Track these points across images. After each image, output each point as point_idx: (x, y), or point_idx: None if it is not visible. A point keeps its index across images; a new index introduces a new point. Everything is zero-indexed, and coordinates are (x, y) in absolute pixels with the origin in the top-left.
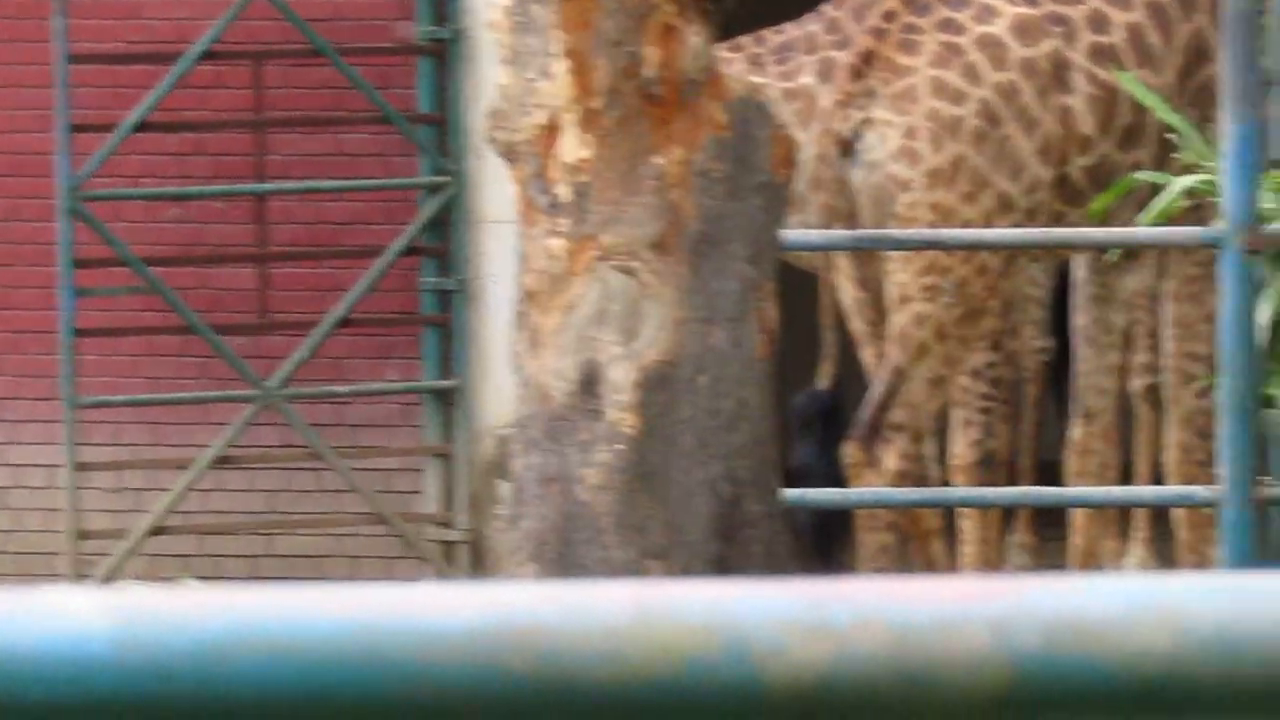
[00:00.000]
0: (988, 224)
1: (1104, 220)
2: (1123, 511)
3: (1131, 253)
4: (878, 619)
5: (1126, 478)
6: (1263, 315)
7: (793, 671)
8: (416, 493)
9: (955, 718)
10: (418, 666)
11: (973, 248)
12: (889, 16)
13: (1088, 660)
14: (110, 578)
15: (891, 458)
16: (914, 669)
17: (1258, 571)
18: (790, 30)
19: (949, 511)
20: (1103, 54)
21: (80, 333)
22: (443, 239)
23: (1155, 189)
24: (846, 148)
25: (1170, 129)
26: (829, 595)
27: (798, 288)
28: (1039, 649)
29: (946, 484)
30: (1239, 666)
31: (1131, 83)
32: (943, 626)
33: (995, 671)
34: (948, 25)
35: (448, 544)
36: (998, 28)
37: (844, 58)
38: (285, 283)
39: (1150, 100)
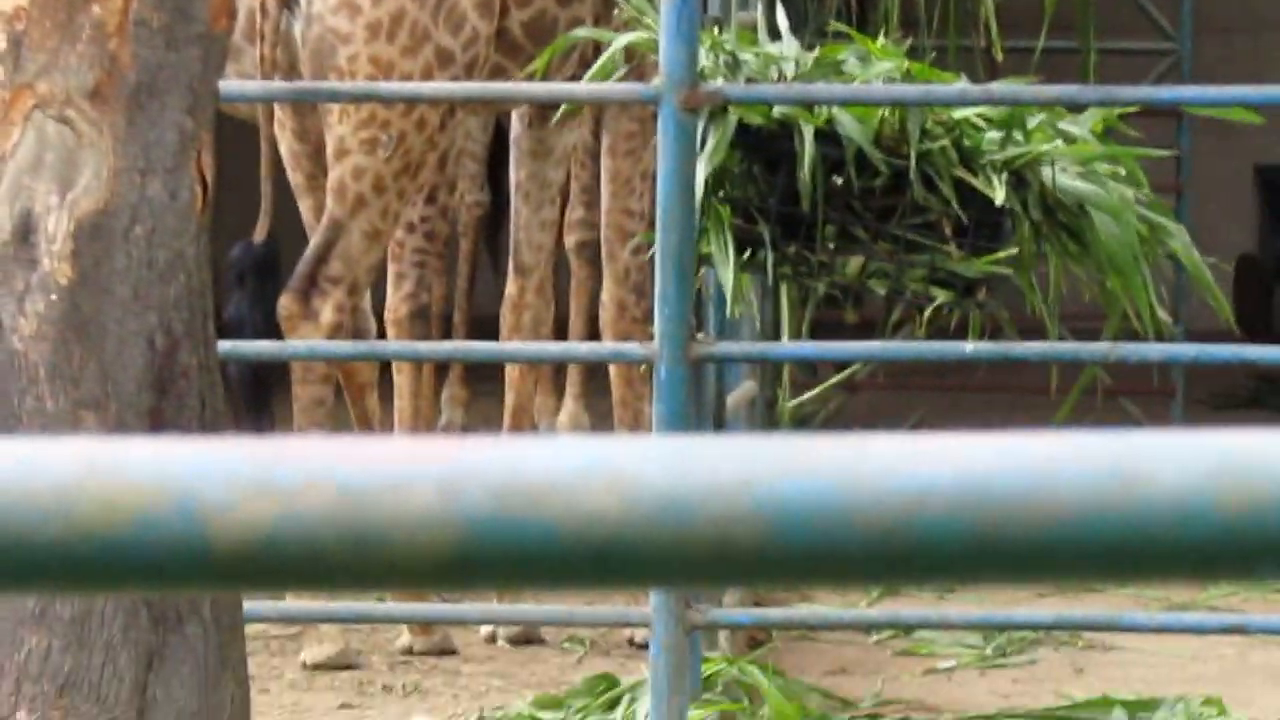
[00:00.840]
0: (427, 77)
1: (544, 75)
2: (558, 367)
3: (569, 109)
4: (325, 479)
5: (562, 334)
6: (700, 174)
7: (239, 530)
8: None
9: (403, 578)
10: None
11: (412, 101)
12: None
13: (537, 522)
14: None
15: (327, 310)
16: (361, 529)
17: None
18: None
19: (385, 365)
20: None
21: None
22: None
23: (597, 46)
24: (286, 1)
25: None
26: (277, 454)
27: (236, 139)
28: (488, 511)
29: (383, 337)
30: (685, 529)
31: None
32: (391, 487)
33: (443, 532)
34: None
35: None
36: None
37: None
38: None
39: None
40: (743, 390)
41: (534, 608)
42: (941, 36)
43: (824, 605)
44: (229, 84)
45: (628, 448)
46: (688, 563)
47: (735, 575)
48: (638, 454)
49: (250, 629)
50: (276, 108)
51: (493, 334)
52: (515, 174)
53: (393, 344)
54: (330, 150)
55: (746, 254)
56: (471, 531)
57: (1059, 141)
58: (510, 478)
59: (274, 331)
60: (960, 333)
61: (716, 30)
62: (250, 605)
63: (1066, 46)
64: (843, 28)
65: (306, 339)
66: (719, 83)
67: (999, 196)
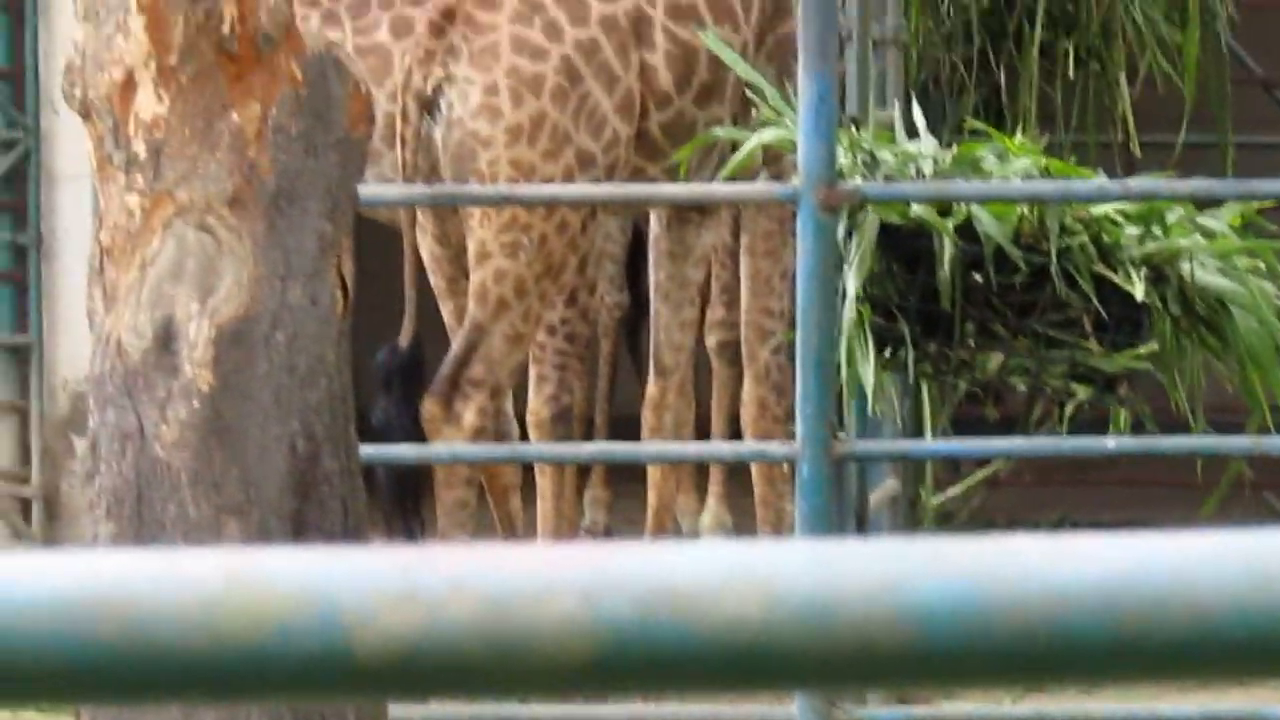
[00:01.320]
0: (568, 180)
1: (683, 176)
2: (699, 467)
3: (707, 208)
4: (469, 587)
5: (704, 434)
6: (851, 286)
7: (382, 640)
8: None
9: (547, 684)
10: (5, 638)
11: (553, 204)
12: None
13: (678, 628)
14: None
15: (470, 414)
16: (506, 638)
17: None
18: None
19: (528, 467)
20: (681, 11)
21: None
22: (17, 194)
23: (735, 145)
24: (427, 105)
25: (749, 85)
26: (420, 562)
27: (378, 243)
28: (630, 618)
29: (525, 440)
30: (827, 634)
31: (712, 41)
32: (534, 595)
33: (586, 640)
34: None
35: (22, 501)
36: None
37: (421, 13)
38: None
39: (729, 58)
40: (885, 488)
41: (678, 708)
42: (1079, 132)
43: (968, 703)
44: (369, 188)
45: (767, 553)
46: (831, 666)
47: (878, 678)
48: (778, 559)
49: None
50: (418, 211)
51: (634, 435)
52: (655, 275)
53: (535, 446)
54: (471, 254)
55: (887, 352)
56: (614, 638)
57: (1197, 236)
58: (652, 585)
59: (420, 435)
60: (1102, 427)
61: (854, 129)
62: (394, 710)
63: (1204, 141)
64: (980, 125)
65: (450, 442)
66: (857, 181)
67: (1139, 292)
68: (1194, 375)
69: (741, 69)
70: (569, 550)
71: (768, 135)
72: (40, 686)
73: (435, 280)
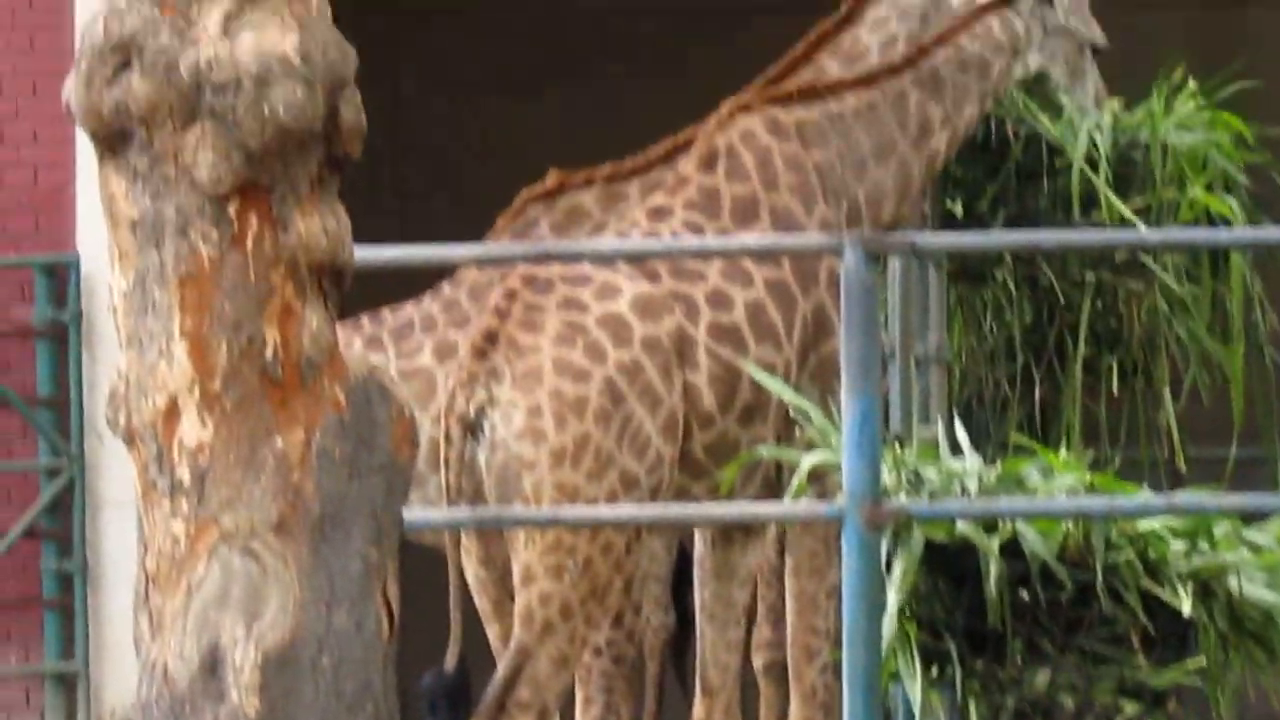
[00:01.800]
0: (613, 501)
1: (727, 495)
2: None
3: (752, 527)
4: None
5: None
6: (892, 603)
7: None
8: None
9: None
10: None
11: (597, 525)
12: (510, 295)
13: None
14: None
15: None
16: None
17: None
18: (409, 309)
19: None
20: (724, 332)
21: None
22: (63, 522)
23: (778, 463)
24: (470, 428)
25: (793, 406)
26: None
27: (423, 566)
28: None
29: None
30: None
31: (754, 369)
32: None
33: None
34: (570, 303)
35: None
36: (620, 305)
37: (463, 337)
38: None
39: (773, 385)
40: None
41: None
42: (1125, 447)
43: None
44: (413, 512)
45: None
46: None
47: None
48: None
49: None
50: (462, 534)
51: None
52: (700, 595)
53: None
54: (517, 576)
55: (934, 669)
56: None
57: (1244, 550)
58: None
59: None
60: None
61: (898, 446)
62: None
63: (1251, 456)
64: (1025, 441)
65: None
66: (902, 499)
67: (1186, 608)
68: (1221, 697)
69: (785, 393)
70: None
71: (813, 457)
72: None
73: (480, 603)
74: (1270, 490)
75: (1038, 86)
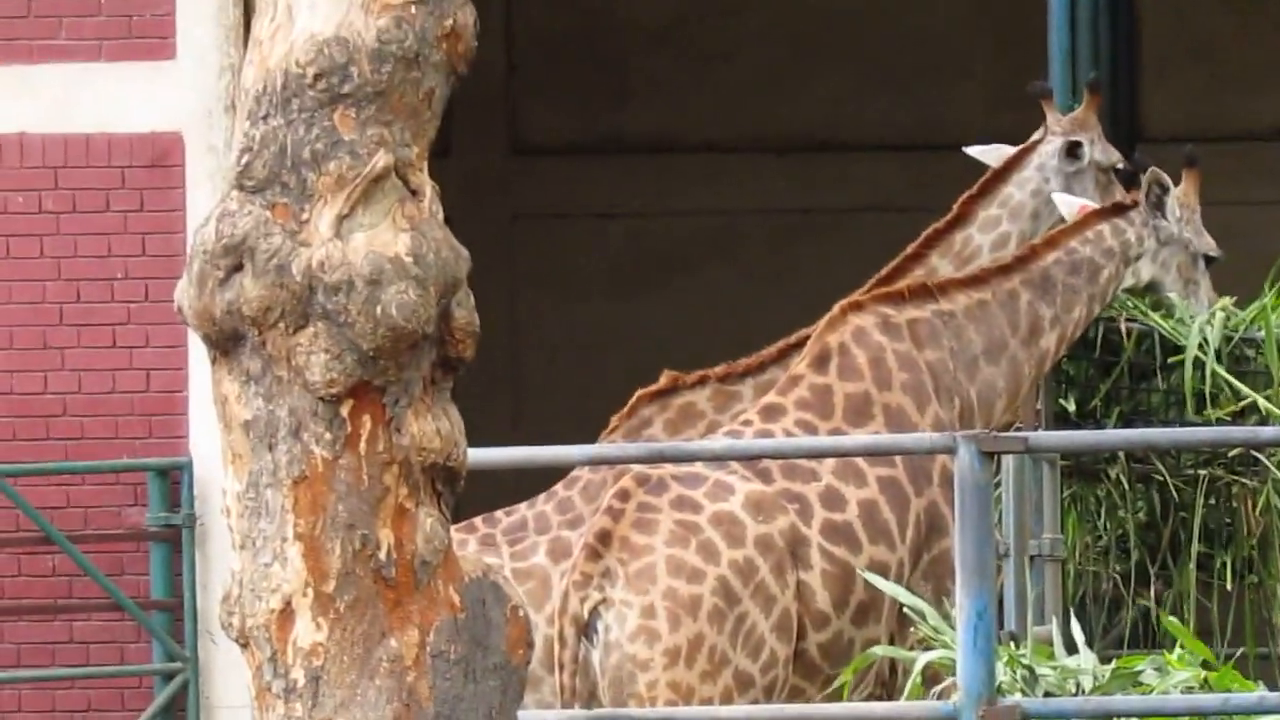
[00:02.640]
0: (727, 701)
1: (845, 697)
2: None
3: None
4: None
5: None
6: None
7: None
8: None
9: None
10: None
11: None
12: (624, 495)
13: None
14: None
15: None
16: None
17: None
18: (522, 509)
19: None
20: (837, 531)
21: None
22: None
23: (893, 663)
24: (584, 628)
25: (907, 606)
26: None
27: None
28: None
29: None
30: None
31: (866, 573)
32: None
33: None
34: (683, 503)
35: None
36: (733, 504)
37: (577, 537)
38: None
39: (886, 587)
40: None
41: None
42: (1237, 644)
43: None
44: (529, 714)
45: None
46: None
47: None
48: None
49: None
50: None
51: None
52: None
53: None
54: None
55: None
56: None
57: None
58: None
59: None
60: None
61: (1013, 644)
62: None
63: None
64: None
65: None
66: (1017, 698)
67: None
68: None
69: (899, 594)
70: None
71: (931, 655)
72: None
73: None
74: None
75: (1150, 293)
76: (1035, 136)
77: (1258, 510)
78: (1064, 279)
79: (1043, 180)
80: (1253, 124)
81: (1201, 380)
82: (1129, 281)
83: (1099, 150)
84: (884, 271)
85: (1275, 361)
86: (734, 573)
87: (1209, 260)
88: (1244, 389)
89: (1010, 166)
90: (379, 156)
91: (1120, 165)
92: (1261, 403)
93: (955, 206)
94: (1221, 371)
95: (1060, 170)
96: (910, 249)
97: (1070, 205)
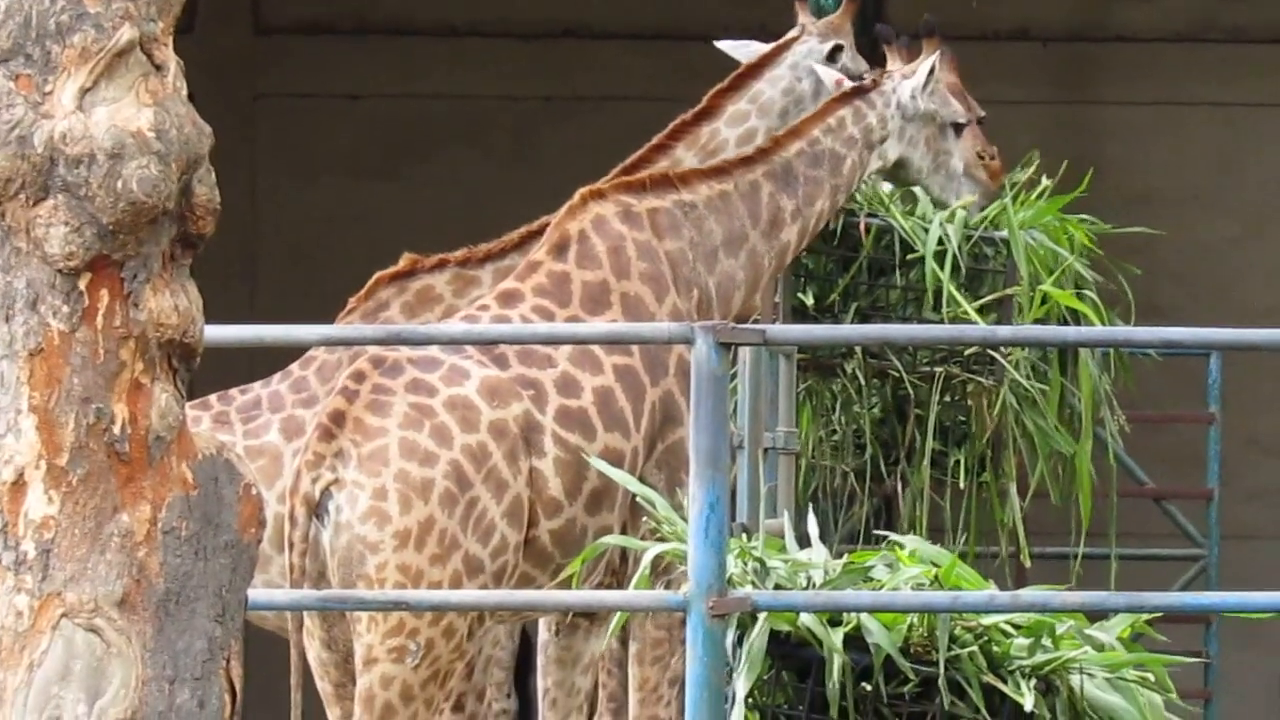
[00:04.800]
0: (456, 585)
1: (576, 585)
2: None
3: (596, 614)
4: None
5: None
6: (739, 693)
7: None
8: None
9: None
10: None
11: (440, 609)
12: (359, 376)
13: None
14: None
15: None
16: None
17: None
18: (256, 388)
19: None
20: (571, 418)
21: None
22: None
23: (624, 552)
24: (315, 508)
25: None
26: None
27: (263, 647)
28: None
29: None
30: None
31: (595, 460)
32: None
33: None
34: (418, 386)
35: None
36: (468, 389)
37: (310, 416)
38: None
39: (616, 475)
40: None
41: None
42: (971, 542)
43: None
44: (257, 592)
45: None
46: None
47: None
48: None
49: None
50: (305, 615)
51: None
52: (542, 681)
53: None
54: (358, 658)
55: None
56: None
57: (1087, 648)
58: None
59: None
60: None
61: (745, 537)
62: None
63: (1096, 553)
64: (886, 532)
65: None
66: (747, 590)
67: (1028, 703)
68: None
69: (630, 483)
70: None
71: (661, 547)
72: None
73: (322, 685)
74: (1109, 588)
75: (901, 171)
76: (790, 35)
77: (995, 411)
78: (806, 171)
79: (795, 79)
80: (995, 24)
81: (939, 279)
82: (875, 165)
83: (849, 58)
84: (628, 161)
85: (1023, 260)
86: (467, 457)
87: (959, 128)
88: (968, 306)
89: (763, 63)
90: (123, 30)
91: (866, 76)
92: (973, 314)
93: (704, 99)
94: (945, 279)
95: (812, 72)
96: (656, 139)
97: (829, 76)
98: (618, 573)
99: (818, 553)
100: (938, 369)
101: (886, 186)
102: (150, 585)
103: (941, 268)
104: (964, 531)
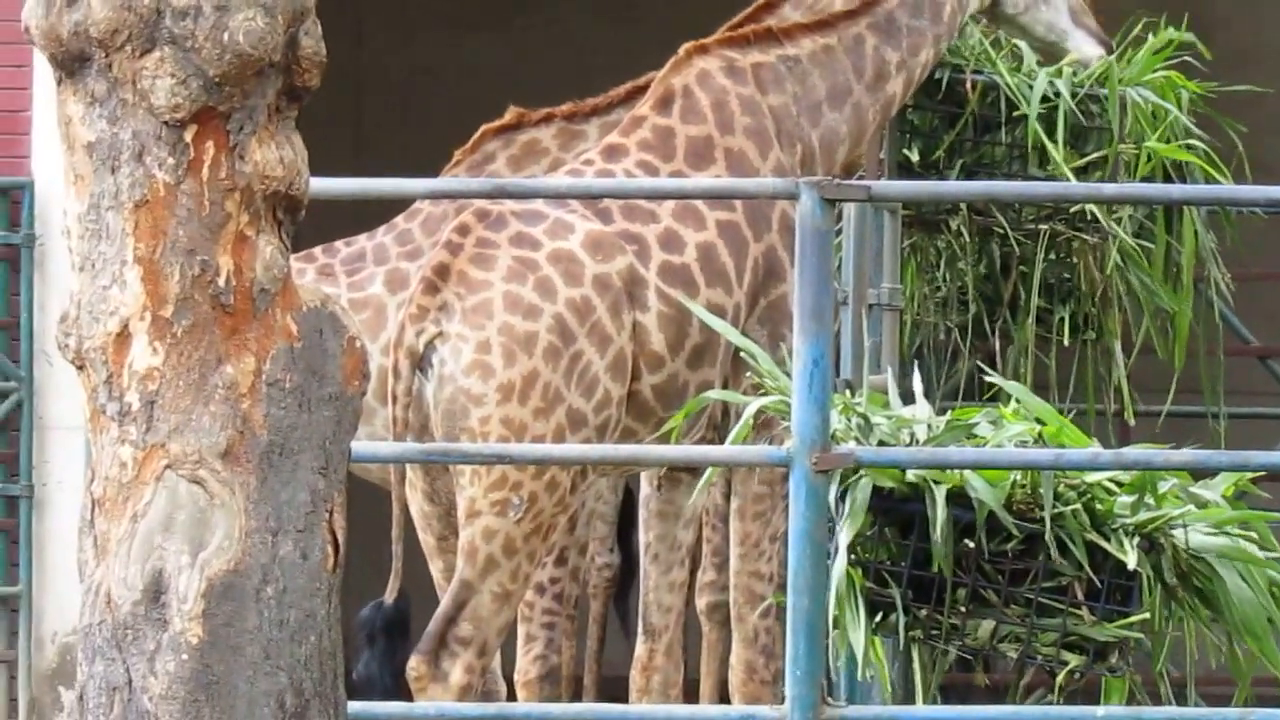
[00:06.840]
0: (559, 439)
1: (675, 440)
2: None
3: (699, 469)
4: None
5: (693, 697)
6: (842, 542)
7: None
8: None
9: None
10: None
11: (543, 463)
12: (463, 230)
13: None
14: None
15: (457, 672)
16: None
17: None
18: (361, 240)
19: None
20: (674, 273)
21: None
22: (9, 444)
23: (726, 406)
24: (419, 361)
25: (742, 350)
26: None
27: (366, 500)
28: None
29: (512, 699)
30: None
31: (698, 309)
32: None
33: None
34: (522, 240)
35: None
36: (572, 243)
37: (415, 269)
38: None
39: (719, 325)
40: None
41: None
42: (1075, 400)
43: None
44: (361, 445)
45: None
46: None
47: None
48: None
49: None
50: (408, 468)
51: (623, 696)
52: (644, 536)
53: (522, 706)
54: (461, 512)
55: (878, 616)
56: None
57: (1190, 506)
58: None
59: (404, 692)
60: (1093, 696)
61: (849, 393)
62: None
63: (1198, 411)
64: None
65: (435, 700)
66: (851, 446)
67: (1131, 561)
68: (1186, 645)
69: (733, 335)
70: None
71: (763, 400)
72: None
73: (424, 538)
74: (1214, 445)
75: (1006, 25)
76: None
77: (1106, 270)
78: (908, 21)
79: None
80: None
81: (1047, 135)
82: (974, 4)
83: None
84: (736, 19)
85: (1121, 118)
86: (570, 311)
87: None
88: (1065, 168)
89: None
90: None
91: None
92: (1069, 175)
93: None
94: (1048, 139)
95: None
96: None
97: None
98: (719, 428)
99: (921, 409)
100: (1043, 226)
101: (976, 36)
102: (254, 437)
103: (1048, 124)
104: (1069, 389)
